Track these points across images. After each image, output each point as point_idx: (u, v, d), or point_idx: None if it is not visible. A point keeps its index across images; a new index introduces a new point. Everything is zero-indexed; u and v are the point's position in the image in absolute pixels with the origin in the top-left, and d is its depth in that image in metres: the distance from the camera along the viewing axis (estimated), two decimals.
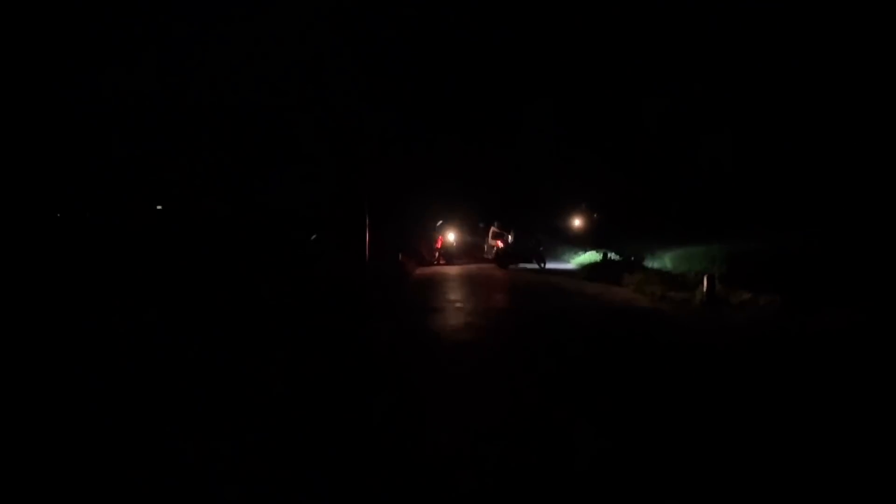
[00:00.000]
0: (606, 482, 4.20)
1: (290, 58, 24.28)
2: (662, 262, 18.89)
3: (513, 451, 4.75)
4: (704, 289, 12.95)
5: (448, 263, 28.61)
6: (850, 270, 10.49)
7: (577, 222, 37.47)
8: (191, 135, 22.19)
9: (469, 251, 30.47)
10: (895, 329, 7.80)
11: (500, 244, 25.02)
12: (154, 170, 20.98)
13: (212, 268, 15.47)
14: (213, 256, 17.60)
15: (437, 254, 29.76)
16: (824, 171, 15.47)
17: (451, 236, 30.76)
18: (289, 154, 25.71)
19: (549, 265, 24.73)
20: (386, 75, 29.41)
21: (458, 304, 13.87)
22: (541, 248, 24.99)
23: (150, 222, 20.66)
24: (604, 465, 4.49)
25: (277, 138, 25.31)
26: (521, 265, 24.89)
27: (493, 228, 26.53)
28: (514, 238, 25.10)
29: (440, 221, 30.86)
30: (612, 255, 23.55)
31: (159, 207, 22.48)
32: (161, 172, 21.26)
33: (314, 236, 23.72)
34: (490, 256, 26.44)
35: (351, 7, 25.44)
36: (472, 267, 26.46)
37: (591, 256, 25.91)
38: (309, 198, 25.84)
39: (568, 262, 27.91)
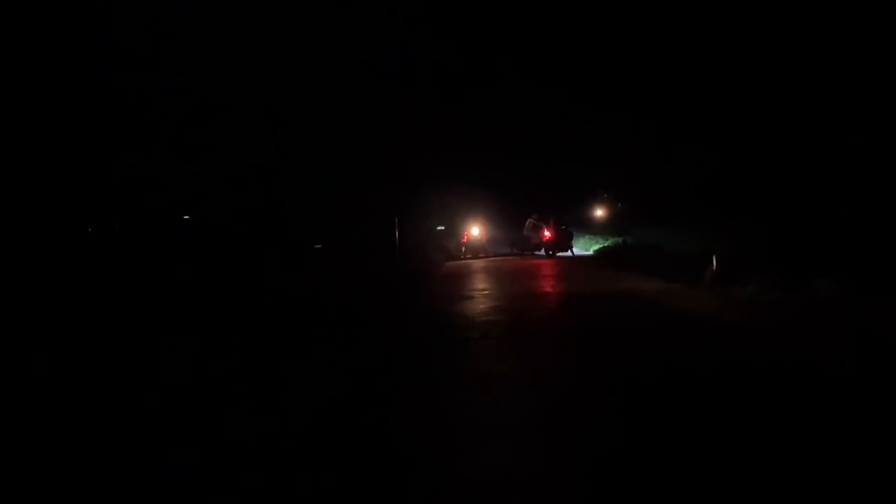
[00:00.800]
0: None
1: (311, 55, 24.54)
2: (680, 244, 19.79)
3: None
4: (714, 268, 13.92)
5: (474, 257, 29.81)
6: (836, 245, 11.42)
7: (600, 212, 38.49)
8: (216, 144, 22.31)
9: (492, 245, 31.96)
10: (872, 293, 8.79)
11: (548, 234, 26.99)
12: (181, 180, 20.96)
13: (254, 269, 16.68)
14: (253, 260, 18.73)
15: (462, 248, 31.04)
16: (818, 158, 16.34)
17: (475, 231, 31.94)
18: (317, 157, 26.00)
19: (575, 252, 27.57)
20: (412, 74, 30.39)
21: (485, 292, 15.03)
22: (572, 239, 27.57)
23: (179, 232, 21.09)
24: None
25: (304, 140, 25.54)
26: (559, 254, 26.88)
27: (530, 221, 29.07)
28: (553, 230, 27.14)
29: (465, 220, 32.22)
30: (630, 241, 24.60)
31: (186, 217, 22.65)
32: (188, 182, 21.25)
33: (318, 245, 24.23)
34: (527, 248, 28.99)
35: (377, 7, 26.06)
36: (496, 259, 27.73)
37: (611, 243, 27.08)
38: (337, 201, 26.36)
39: (589, 249, 29.06)
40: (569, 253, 26.99)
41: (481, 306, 12.51)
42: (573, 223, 31.02)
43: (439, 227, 33.29)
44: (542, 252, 27.60)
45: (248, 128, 23.15)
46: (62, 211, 17.16)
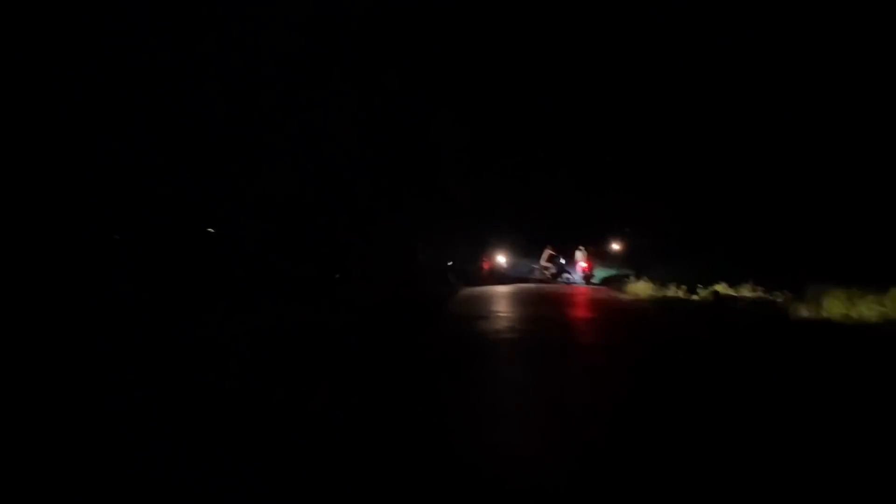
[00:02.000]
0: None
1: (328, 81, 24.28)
2: (665, 270, 22.84)
3: None
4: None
5: (492, 284, 31.78)
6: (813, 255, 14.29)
7: (616, 246, 41.07)
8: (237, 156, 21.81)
9: (510, 273, 34.06)
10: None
11: (584, 266, 31.82)
12: (203, 189, 19.74)
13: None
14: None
15: (481, 274, 33.10)
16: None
17: (495, 259, 34.12)
18: (338, 182, 25.83)
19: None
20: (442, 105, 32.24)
21: (500, 314, 17.04)
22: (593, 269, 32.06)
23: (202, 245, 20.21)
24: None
25: (328, 165, 25.07)
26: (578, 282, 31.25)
27: (547, 251, 32.07)
28: (588, 262, 31.57)
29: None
30: (629, 272, 27.84)
31: (210, 230, 21.41)
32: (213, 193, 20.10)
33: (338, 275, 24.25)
34: (543, 277, 32.56)
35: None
36: (512, 287, 29.65)
37: (616, 272, 30.40)
38: (358, 227, 26.78)
39: (598, 279, 31.94)
40: (588, 281, 31.07)
41: (495, 326, 14.54)
42: (593, 255, 33.92)
43: (457, 254, 35.36)
44: (562, 279, 31.80)
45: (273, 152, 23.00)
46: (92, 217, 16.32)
